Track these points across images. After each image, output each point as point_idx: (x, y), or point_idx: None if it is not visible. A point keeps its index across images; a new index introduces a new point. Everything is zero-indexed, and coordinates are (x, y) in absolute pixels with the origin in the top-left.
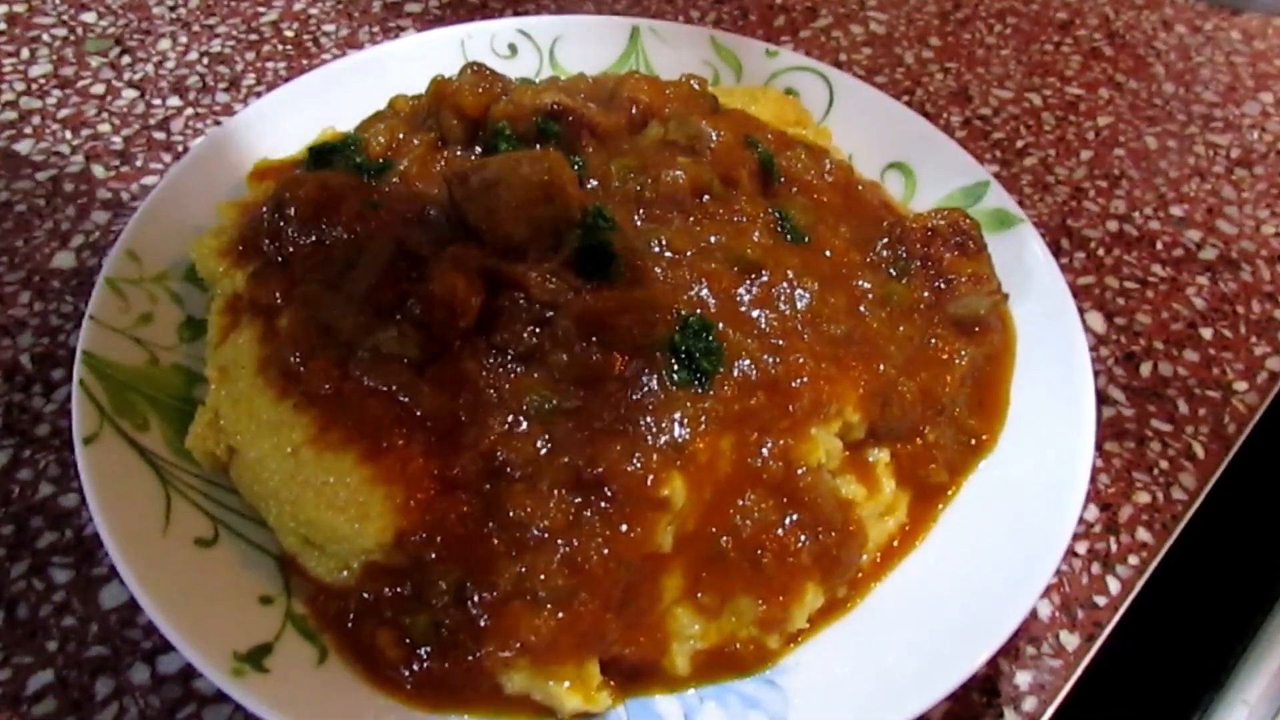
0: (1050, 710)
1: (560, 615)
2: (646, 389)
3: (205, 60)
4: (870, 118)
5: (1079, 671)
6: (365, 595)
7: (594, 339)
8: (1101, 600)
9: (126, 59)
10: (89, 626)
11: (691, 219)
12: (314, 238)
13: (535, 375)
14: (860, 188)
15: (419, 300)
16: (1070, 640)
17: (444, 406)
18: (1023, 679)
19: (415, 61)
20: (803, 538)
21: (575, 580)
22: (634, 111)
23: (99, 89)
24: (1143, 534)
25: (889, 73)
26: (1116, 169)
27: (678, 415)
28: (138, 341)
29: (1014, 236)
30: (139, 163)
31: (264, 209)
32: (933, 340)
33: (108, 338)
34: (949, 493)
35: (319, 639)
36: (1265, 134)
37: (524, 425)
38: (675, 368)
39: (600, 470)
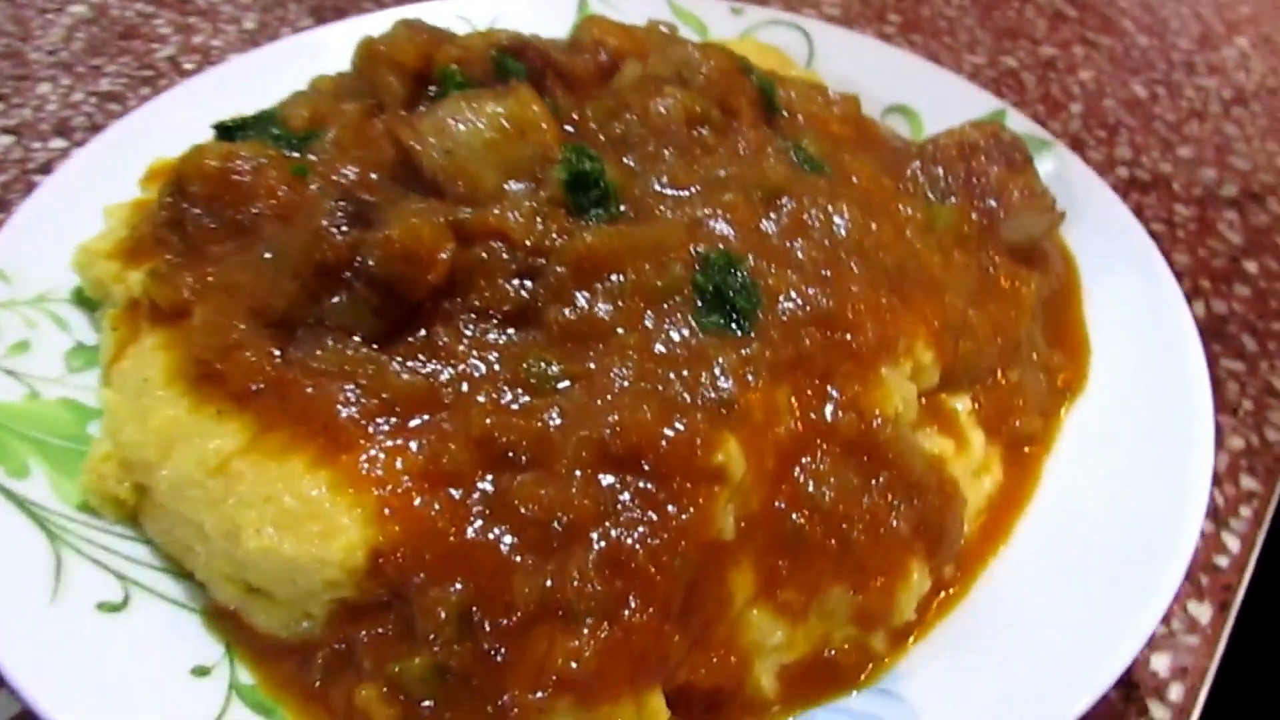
0: (1201, 698)
1: (605, 633)
2: (673, 339)
3: (93, 100)
4: (858, 63)
5: (1222, 648)
6: (337, 645)
7: (597, 287)
8: (1223, 561)
9: (0, 106)
10: None
11: (690, 156)
12: (228, 216)
13: (530, 337)
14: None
15: (373, 251)
16: (1202, 612)
17: (418, 386)
18: (1160, 663)
19: (336, 52)
20: (896, 504)
21: (619, 584)
22: (602, 57)
23: None
24: (1248, 482)
25: None
26: (1112, 118)
27: (718, 366)
28: (11, 374)
29: (1048, 161)
30: (18, 208)
31: (162, 192)
32: (991, 269)
33: None
34: (1045, 445)
35: (277, 712)
36: (1251, 74)
37: (524, 399)
38: (704, 312)
39: (633, 440)
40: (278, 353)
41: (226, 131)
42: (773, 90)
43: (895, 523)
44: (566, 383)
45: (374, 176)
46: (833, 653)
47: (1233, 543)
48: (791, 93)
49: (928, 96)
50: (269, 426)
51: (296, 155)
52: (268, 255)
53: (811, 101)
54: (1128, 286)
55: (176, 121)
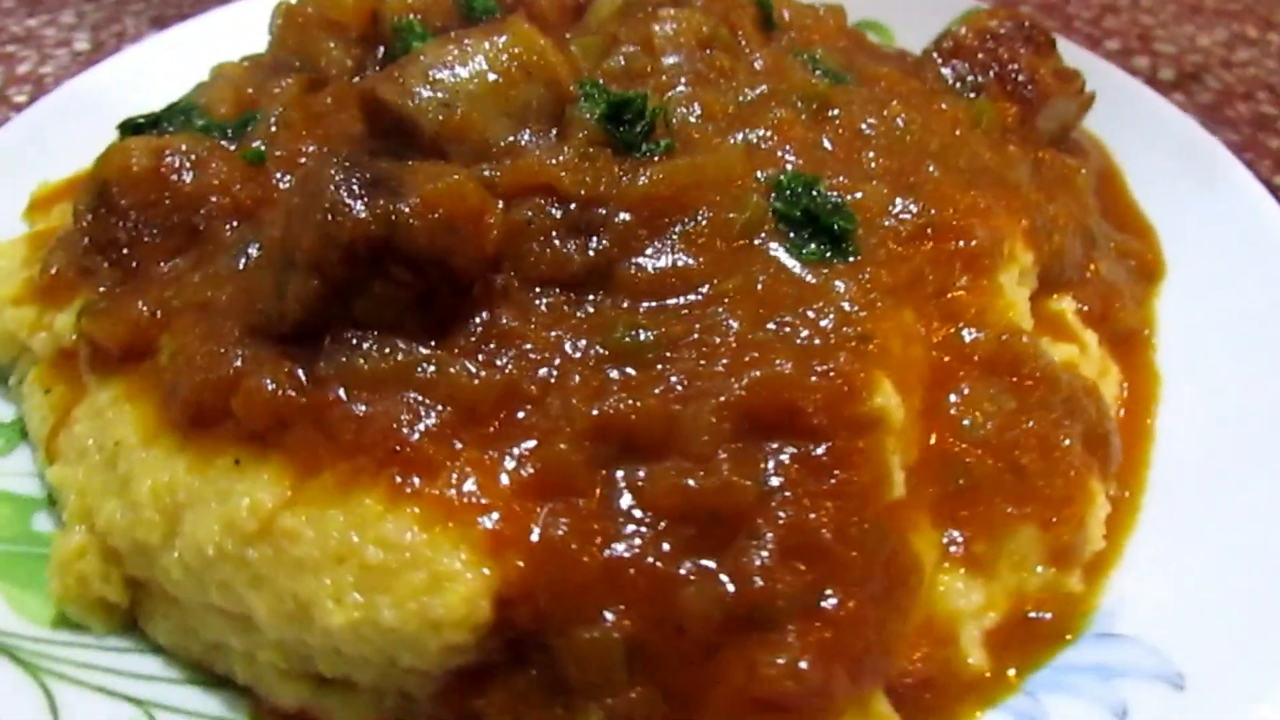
0: None
1: (819, 637)
2: (779, 278)
3: None
4: None
5: None
6: None
7: (673, 232)
8: None
9: None
10: None
11: (705, 80)
12: (172, 224)
13: (608, 302)
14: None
15: (411, 222)
16: None
17: (495, 383)
18: None
19: (235, 38)
20: (1061, 421)
21: (811, 573)
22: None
23: None
24: None
25: None
26: None
27: (840, 298)
28: None
29: None
30: None
31: (78, 210)
32: (1042, 159)
33: None
34: (1147, 336)
35: None
36: None
37: (624, 371)
38: (800, 242)
39: (780, 397)
40: (301, 372)
41: (138, 130)
42: (770, 6)
43: (1066, 441)
44: (666, 347)
45: (346, 153)
46: (1035, 607)
47: None
48: (784, 9)
49: (894, 6)
50: (313, 466)
51: (234, 147)
52: (244, 259)
53: (805, 15)
54: (1169, 157)
55: (48, 143)
